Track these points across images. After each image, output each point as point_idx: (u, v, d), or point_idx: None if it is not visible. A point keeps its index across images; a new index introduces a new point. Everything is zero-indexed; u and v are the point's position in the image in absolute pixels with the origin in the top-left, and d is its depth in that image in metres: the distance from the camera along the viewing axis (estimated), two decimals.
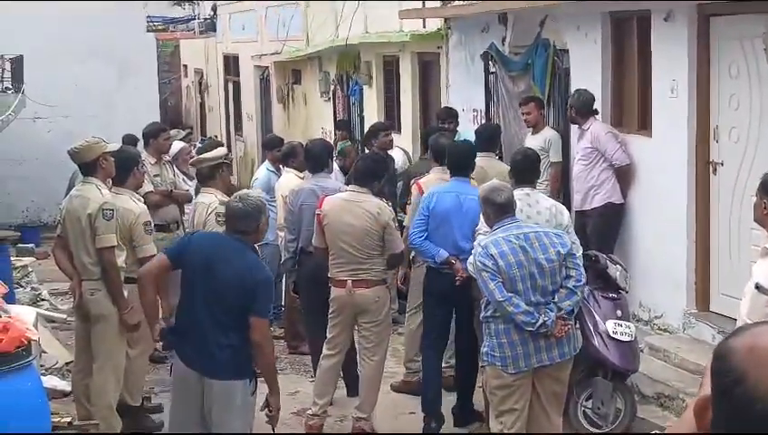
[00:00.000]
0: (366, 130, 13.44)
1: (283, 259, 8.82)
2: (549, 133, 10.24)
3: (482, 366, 6.40)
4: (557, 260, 6.10)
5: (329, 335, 7.77)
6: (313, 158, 8.73)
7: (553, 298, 6.12)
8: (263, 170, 10.89)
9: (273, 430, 6.08)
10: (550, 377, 6.28)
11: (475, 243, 6.86)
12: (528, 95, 10.76)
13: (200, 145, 14.20)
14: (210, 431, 5.83)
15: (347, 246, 7.46)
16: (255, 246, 6.04)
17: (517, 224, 6.28)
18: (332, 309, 7.67)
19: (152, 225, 7.80)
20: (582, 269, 6.31)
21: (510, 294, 5.98)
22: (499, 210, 6.25)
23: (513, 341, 6.08)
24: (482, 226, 6.86)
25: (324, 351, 7.79)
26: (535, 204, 6.97)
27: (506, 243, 6.07)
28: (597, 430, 7.36)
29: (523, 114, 10.43)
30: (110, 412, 7.35)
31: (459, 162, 7.87)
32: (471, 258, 6.88)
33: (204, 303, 5.78)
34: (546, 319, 6.02)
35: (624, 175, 9.41)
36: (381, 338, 7.65)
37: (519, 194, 6.81)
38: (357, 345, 7.93)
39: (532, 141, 9.88)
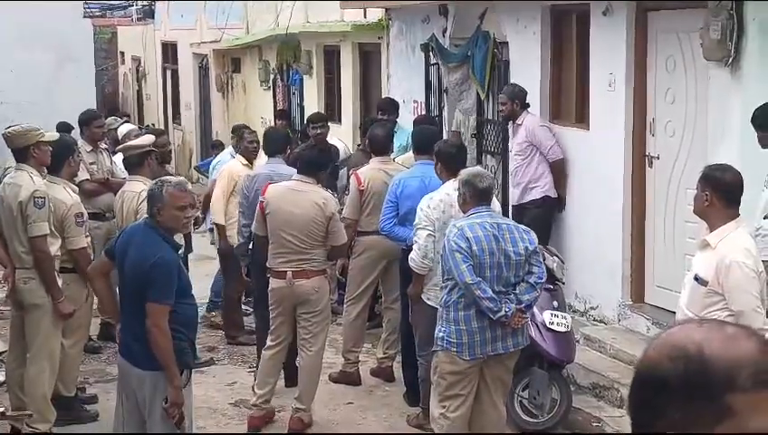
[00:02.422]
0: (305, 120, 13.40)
1: (236, 244, 8.77)
2: None
3: (434, 350, 6.40)
4: (524, 255, 6.19)
5: (271, 327, 7.73)
6: (273, 141, 8.78)
7: (514, 289, 6.18)
8: (226, 156, 10.91)
9: (178, 426, 5.69)
10: (501, 365, 6.38)
11: (414, 233, 6.90)
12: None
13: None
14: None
15: (289, 236, 7.41)
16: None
17: (491, 213, 6.36)
18: (272, 301, 7.63)
19: (85, 216, 7.68)
20: (544, 268, 6.40)
21: (479, 279, 6.04)
22: (478, 196, 6.29)
23: (471, 328, 6.15)
24: (421, 220, 6.90)
25: (267, 342, 7.76)
26: None
27: (481, 229, 6.13)
28: (533, 420, 7.42)
29: None
30: (45, 403, 7.25)
31: (424, 145, 7.98)
32: (413, 253, 6.92)
33: (123, 293, 5.82)
34: (507, 310, 6.09)
35: (561, 167, 9.49)
36: (320, 328, 7.62)
37: (453, 185, 6.93)
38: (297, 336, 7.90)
39: None
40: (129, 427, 5.87)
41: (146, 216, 5.93)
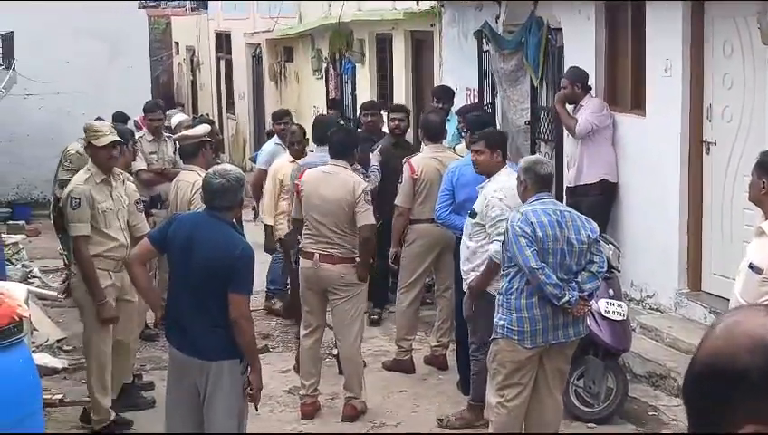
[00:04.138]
0: (358, 108, 13.43)
1: (286, 233, 8.82)
2: None
3: (493, 338, 6.36)
4: (586, 243, 6.15)
5: (303, 314, 7.75)
6: (321, 129, 8.77)
7: (576, 277, 6.15)
8: (270, 144, 10.98)
9: (257, 408, 6.08)
10: (560, 354, 6.33)
11: (510, 215, 6.71)
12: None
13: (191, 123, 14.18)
14: (203, 412, 5.81)
15: (320, 217, 7.42)
16: (235, 221, 6.01)
17: (553, 200, 6.36)
18: (300, 282, 7.65)
19: (142, 202, 7.79)
20: (605, 257, 6.37)
21: (543, 264, 6.00)
22: (540, 182, 6.26)
23: (533, 316, 6.11)
24: (504, 211, 6.70)
25: (301, 331, 7.79)
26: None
27: (545, 215, 6.10)
28: (588, 409, 7.37)
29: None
30: (93, 398, 7.29)
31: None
32: (498, 245, 6.59)
33: (187, 284, 5.73)
34: (570, 297, 6.06)
35: (565, 125, 9.46)
36: (352, 316, 7.58)
37: (509, 171, 6.98)
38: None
39: None
40: (184, 416, 5.89)
41: (204, 207, 5.91)
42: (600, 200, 9.31)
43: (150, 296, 6.33)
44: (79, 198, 7.08)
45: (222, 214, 5.76)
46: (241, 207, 6.04)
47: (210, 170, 6.01)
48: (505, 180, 6.89)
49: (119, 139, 7.36)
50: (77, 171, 10.32)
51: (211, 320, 5.66)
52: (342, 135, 7.92)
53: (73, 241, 7.18)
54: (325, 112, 16.28)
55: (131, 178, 8.03)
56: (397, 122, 10.14)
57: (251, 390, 5.83)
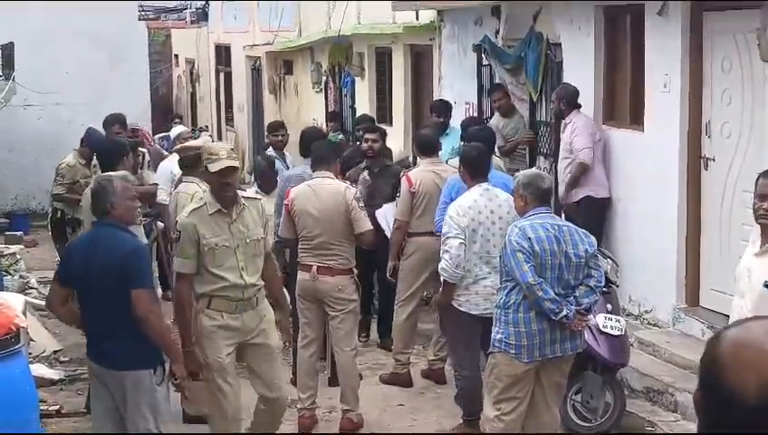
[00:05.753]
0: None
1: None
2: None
3: (490, 353, 6.37)
4: (584, 257, 6.16)
5: (300, 326, 7.75)
6: (307, 143, 8.78)
7: (574, 292, 6.16)
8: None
9: (186, 397, 6.16)
10: (557, 368, 6.33)
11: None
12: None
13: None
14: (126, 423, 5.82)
15: (315, 231, 7.44)
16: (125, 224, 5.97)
17: (551, 214, 6.37)
18: (297, 295, 7.67)
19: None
20: (603, 272, 6.39)
21: (541, 280, 6.02)
22: (540, 197, 6.28)
23: (531, 331, 6.11)
24: (452, 229, 6.87)
25: (299, 342, 7.79)
26: (495, 198, 7.08)
27: (543, 229, 6.12)
28: (586, 424, 7.36)
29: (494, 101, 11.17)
30: None
31: None
32: (444, 263, 6.92)
33: (93, 299, 5.74)
34: (568, 311, 6.06)
35: (580, 171, 9.38)
36: (349, 328, 7.61)
37: (479, 190, 7.03)
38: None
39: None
40: (106, 428, 5.90)
41: (94, 219, 5.94)
42: (589, 214, 9.28)
43: (75, 322, 6.26)
44: (180, 232, 6.27)
45: (110, 219, 5.77)
46: (124, 210, 6.03)
47: (94, 181, 6.05)
48: (464, 198, 7.04)
49: (236, 165, 6.33)
50: (70, 185, 10.40)
51: (120, 330, 5.64)
52: (321, 147, 8.04)
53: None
54: (324, 125, 16.31)
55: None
56: (370, 143, 9.52)
57: (175, 380, 5.84)
